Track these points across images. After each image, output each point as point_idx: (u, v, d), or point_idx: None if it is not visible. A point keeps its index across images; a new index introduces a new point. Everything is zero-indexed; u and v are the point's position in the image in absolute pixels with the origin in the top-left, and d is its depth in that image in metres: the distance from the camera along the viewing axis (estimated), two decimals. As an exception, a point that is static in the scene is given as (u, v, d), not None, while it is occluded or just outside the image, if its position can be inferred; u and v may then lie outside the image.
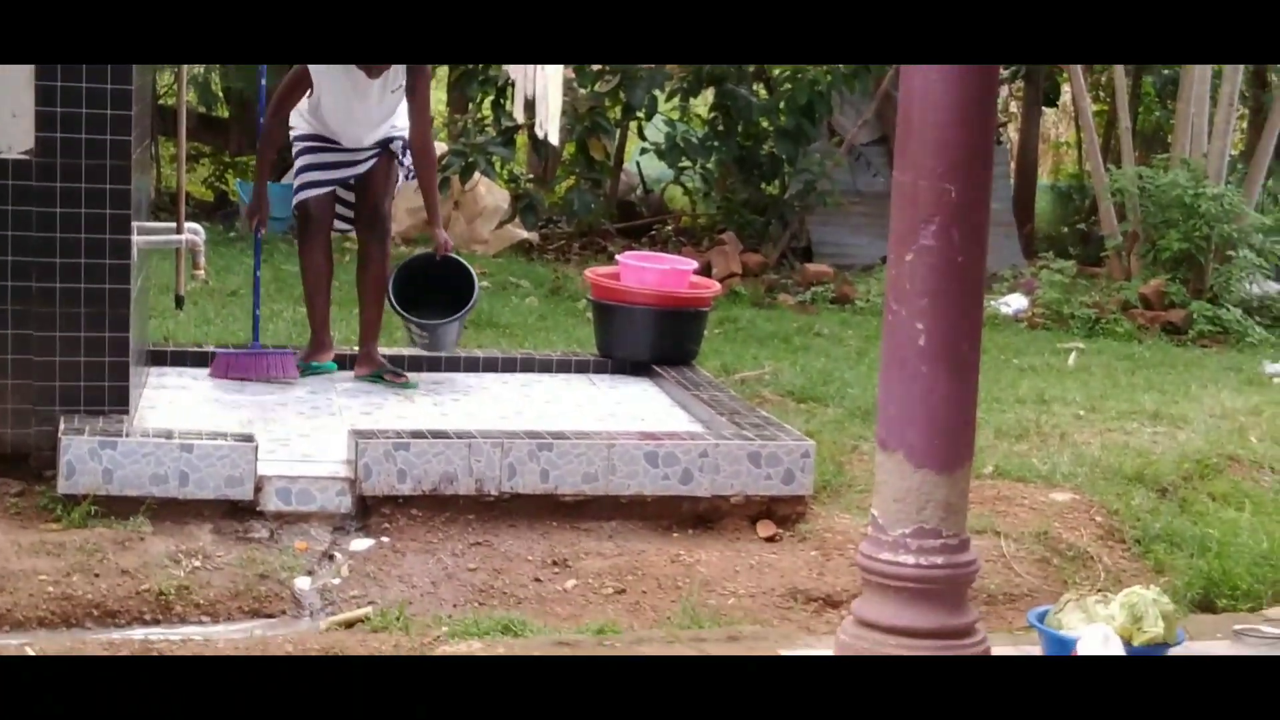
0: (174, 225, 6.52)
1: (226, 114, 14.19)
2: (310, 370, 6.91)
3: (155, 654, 4.31)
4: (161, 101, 12.43)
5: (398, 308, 6.89)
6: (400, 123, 6.91)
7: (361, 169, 6.85)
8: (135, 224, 5.74)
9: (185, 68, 6.94)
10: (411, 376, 6.95)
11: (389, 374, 6.90)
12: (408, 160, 6.99)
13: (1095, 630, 3.85)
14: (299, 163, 6.88)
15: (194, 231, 6.47)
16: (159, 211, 10.36)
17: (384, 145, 6.88)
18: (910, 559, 3.84)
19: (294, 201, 6.90)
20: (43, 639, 4.55)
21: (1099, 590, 4.18)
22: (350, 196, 6.98)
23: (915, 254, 3.81)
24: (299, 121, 6.85)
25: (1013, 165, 15.38)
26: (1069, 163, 18.49)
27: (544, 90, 10.27)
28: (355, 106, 6.71)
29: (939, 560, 3.84)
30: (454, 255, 7.16)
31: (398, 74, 6.67)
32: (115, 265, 5.61)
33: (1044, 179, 17.46)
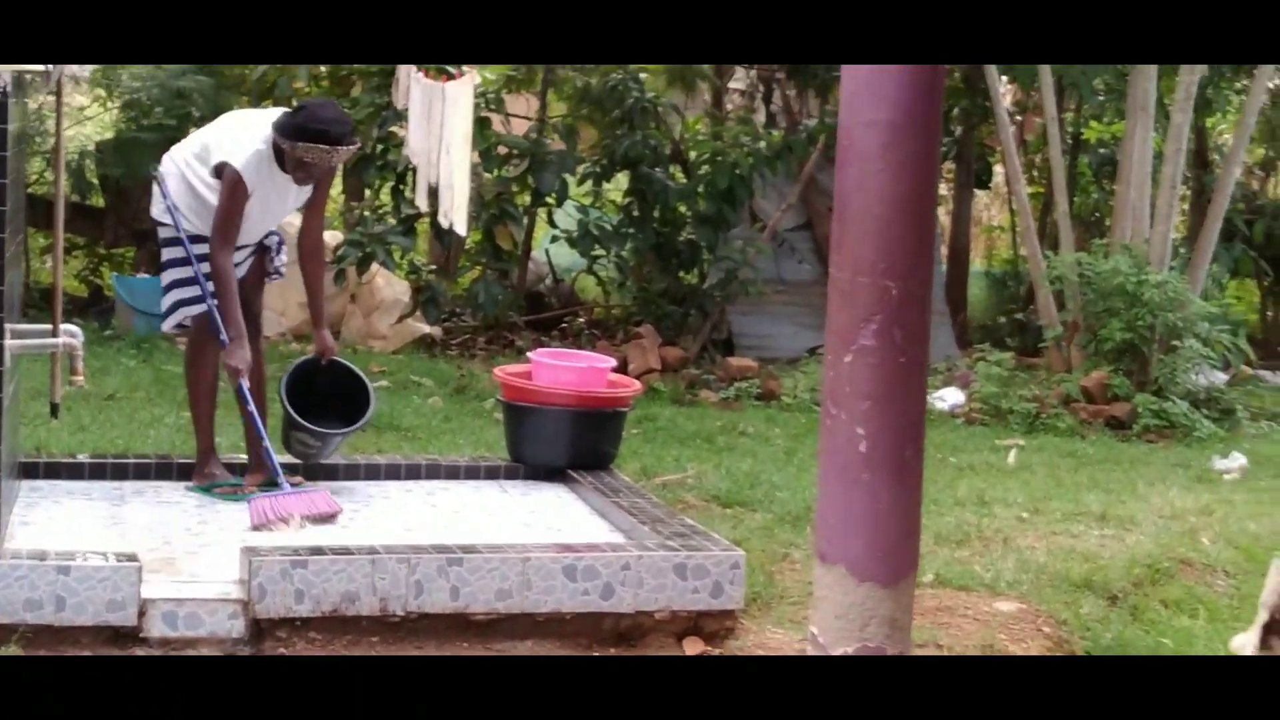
0: (49, 327, 6.44)
1: (102, 203, 14.10)
2: (210, 490, 6.79)
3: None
4: (30, 190, 12.32)
5: (294, 414, 6.81)
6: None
7: (243, 270, 6.80)
8: (8, 327, 5.66)
9: (62, 155, 6.84)
10: (307, 484, 6.89)
11: (291, 479, 6.83)
12: (280, 258, 6.97)
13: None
14: (181, 273, 6.70)
15: (71, 334, 6.38)
16: (28, 309, 10.27)
17: (258, 243, 6.85)
18: (854, 681, 3.83)
19: (185, 318, 6.76)
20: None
21: None
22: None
23: (855, 355, 3.82)
24: (177, 219, 6.64)
25: (944, 250, 15.58)
26: (1002, 248, 18.73)
27: (449, 177, 10.29)
28: (273, 205, 6.65)
29: (884, 682, 3.84)
30: (340, 360, 7.13)
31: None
32: (-16, 372, 5.54)
33: (976, 265, 17.68)
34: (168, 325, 6.91)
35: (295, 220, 7.12)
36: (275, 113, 6.72)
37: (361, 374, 7.18)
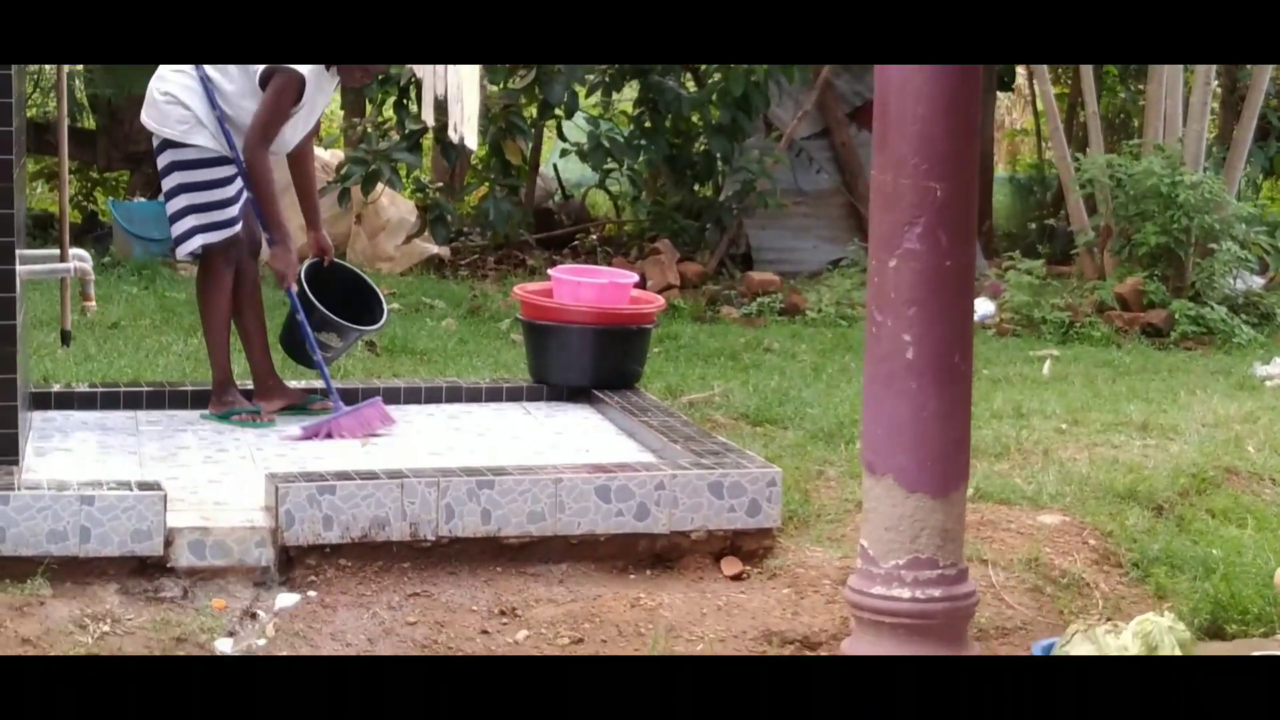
0: (57, 253, 6.51)
1: (94, 125, 14.13)
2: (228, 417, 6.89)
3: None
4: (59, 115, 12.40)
5: (323, 308, 6.87)
6: None
7: (246, 193, 6.81)
8: (19, 252, 5.73)
9: (64, 73, 6.86)
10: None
11: (314, 404, 6.98)
12: None
13: (1109, 663, 3.94)
14: (199, 197, 6.70)
15: (80, 258, 6.47)
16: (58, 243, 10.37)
17: None
18: (905, 592, 3.93)
19: (200, 245, 6.71)
20: (-61, 719, 4.54)
21: (1107, 619, 4.27)
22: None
23: (899, 259, 3.89)
24: (201, 137, 6.62)
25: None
26: (1026, 152, 18.72)
27: (457, 89, 10.29)
28: (316, 111, 6.82)
29: (936, 593, 3.93)
30: (343, 263, 7.28)
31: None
32: (-1, 299, 5.62)
33: (1000, 170, 17.66)
34: (183, 252, 6.87)
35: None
36: None
37: (366, 277, 7.28)
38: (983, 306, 11.18)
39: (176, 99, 6.61)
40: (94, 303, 6.62)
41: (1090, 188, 11.61)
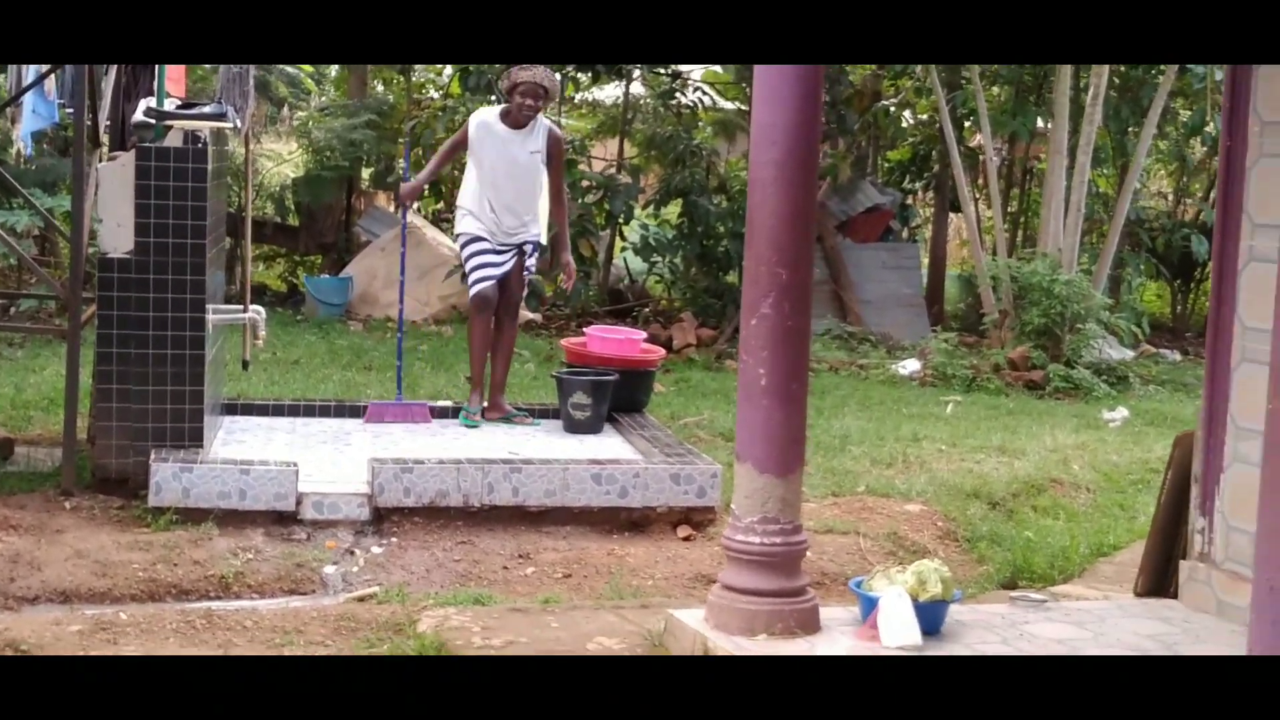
0: (242, 307, 7.03)
1: (297, 222, 14.72)
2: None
3: (206, 623, 4.76)
4: (245, 213, 12.94)
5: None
6: (534, 228, 7.40)
7: (509, 265, 7.33)
8: (209, 306, 6.23)
9: (251, 184, 7.38)
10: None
11: (516, 418, 7.38)
12: (532, 262, 7.50)
13: (891, 590, 4.28)
14: (474, 260, 7.24)
15: (256, 311, 6.96)
16: (241, 300, 10.85)
17: (518, 247, 7.34)
18: (757, 540, 4.28)
19: (474, 290, 7.27)
20: (132, 609, 4.96)
21: (901, 564, 4.58)
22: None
23: (758, 320, 4.28)
24: (468, 225, 7.23)
25: (926, 259, 15.79)
26: (970, 256, 18.84)
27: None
28: (515, 158, 7.21)
29: (778, 540, 4.28)
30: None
31: (536, 135, 7.21)
32: (193, 336, 6.11)
33: (953, 269, 17.82)
34: (476, 289, 7.30)
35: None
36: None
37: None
38: (912, 364, 11.37)
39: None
40: (262, 341, 7.07)
41: (997, 283, 11.81)
